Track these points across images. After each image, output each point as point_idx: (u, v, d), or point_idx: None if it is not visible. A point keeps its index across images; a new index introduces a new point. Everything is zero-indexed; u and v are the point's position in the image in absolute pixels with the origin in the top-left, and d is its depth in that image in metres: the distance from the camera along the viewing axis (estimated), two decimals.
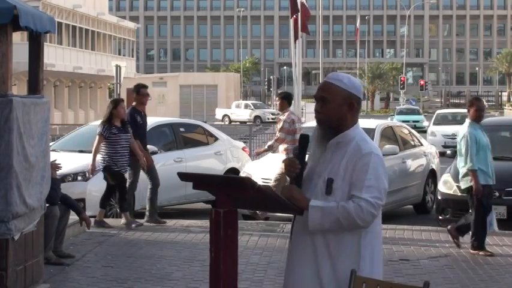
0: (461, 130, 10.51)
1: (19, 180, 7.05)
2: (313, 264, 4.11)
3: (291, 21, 24.85)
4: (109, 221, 12.57)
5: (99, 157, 12.16)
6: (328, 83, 4.15)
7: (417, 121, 48.51)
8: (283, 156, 12.45)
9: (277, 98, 13.27)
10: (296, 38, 24.37)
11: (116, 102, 12.15)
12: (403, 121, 42.42)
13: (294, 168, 4.13)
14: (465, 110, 35.36)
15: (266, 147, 13.79)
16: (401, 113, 50.65)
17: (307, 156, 4.26)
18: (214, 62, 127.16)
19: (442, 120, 33.81)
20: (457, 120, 33.03)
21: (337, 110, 4.10)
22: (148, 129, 14.38)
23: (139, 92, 12.65)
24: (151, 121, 15.12)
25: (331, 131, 4.13)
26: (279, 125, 12.84)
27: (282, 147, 12.77)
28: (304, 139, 4.19)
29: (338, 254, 4.07)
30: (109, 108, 12.13)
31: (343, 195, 4.05)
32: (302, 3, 24.40)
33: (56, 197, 9.18)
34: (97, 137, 12.10)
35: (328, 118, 4.11)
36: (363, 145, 4.09)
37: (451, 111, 39.94)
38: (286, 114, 12.78)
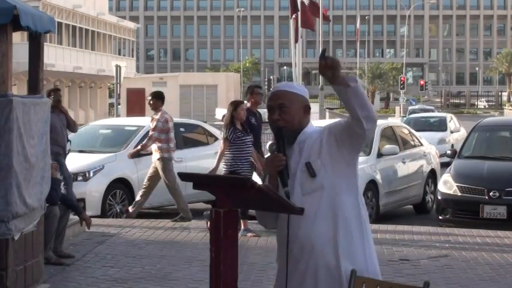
0: None
1: (19, 180, 7.05)
2: (316, 266, 4.13)
3: (291, 21, 24.90)
4: (109, 220, 12.58)
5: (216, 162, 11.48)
6: (282, 91, 4.26)
7: None
8: (157, 155, 12.58)
9: (149, 98, 12.98)
10: (296, 40, 24.42)
11: (236, 104, 11.44)
12: None
13: (280, 161, 4.16)
14: (443, 114, 32.38)
15: (139, 147, 13.17)
16: (414, 114, 41.93)
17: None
18: (214, 62, 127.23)
19: (413, 126, 25.66)
20: (432, 125, 28.30)
21: (297, 114, 4.22)
22: (148, 129, 14.40)
23: (254, 91, 12.14)
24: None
25: (292, 135, 4.22)
26: (153, 124, 12.76)
27: (154, 146, 12.71)
28: (280, 131, 4.23)
29: (346, 253, 4.12)
30: (229, 111, 11.42)
31: (327, 171, 4.12)
32: (312, 1, 24.36)
33: (56, 197, 9.17)
34: (222, 142, 11.37)
35: (290, 123, 4.20)
36: (319, 128, 4.23)
37: (425, 115, 33.56)
38: (160, 113, 12.72)
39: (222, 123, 11.69)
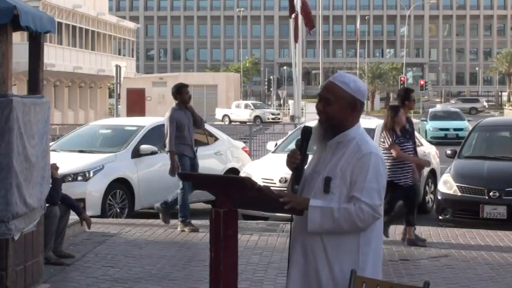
0: None
1: (19, 180, 7.05)
2: (312, 263, 4.12)
3: (291, 21, 24.87)
4: (108, 220, 12.57)
5: None
6: (333, 84, 4.15)
7: (460, 129, 35.45)
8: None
9: None
10: (296, 40, 24.38)
11: (396, 109, 10.78)
12: (441, 129, 34.16)
13: (295, 158, 4.15)
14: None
15: None
16: (436, 117, 36.67)
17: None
18: (214, 62, 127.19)
19: None
20: None
21: (340, 111, 4.12)
22: (148, 129, 14.41)
23: (410, 96, 11.17)
24: (151, 121, 15.13)
25: (332, 131, 4.15)
26: None
27: None
28: (307, 131, 4.21)
29: (337, 253, 4.08)
30: (389, 116, 10.76)
31: (341, 194, 4.06)
32: (304, 1, 24.36)
33: (57, 197, 9.18)
34: (393, 149, 10.55)
35: (330, 118, 4.13)
36: (363, 145, 4.10)
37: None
38: None
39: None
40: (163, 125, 12.16)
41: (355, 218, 3.98)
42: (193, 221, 12.56)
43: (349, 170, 4.06)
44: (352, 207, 3.99)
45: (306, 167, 4.24)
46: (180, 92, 11.96)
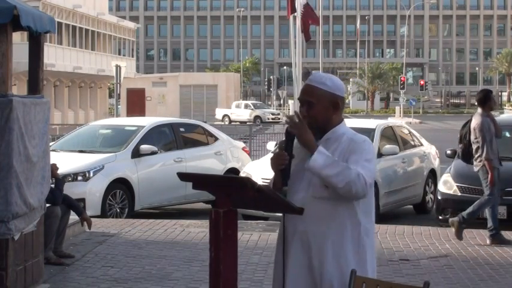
0: None
1: (19, 180, 7.05)
2: (316, 255, 4.16)
3: (292, 20, 24.87)
4: (108, 221, 12.57)
5: None
6: (311, 87, 4.24)
7: None
8: None
9: None
10: (307, 39, 24.42)
11: None
12: None
13: (283, 160, 4.18)
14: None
15: None
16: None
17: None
18: (214, 62, 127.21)
19: None
20: None
21: (324, 112, 4.22)
22: (148, 129, 14.42)
23: None
24: (151, 121, 15.15)
25: (318, 132, 4.22)
26: None
27: None
28: (291, 131, 4.24)
29: (341, 242, 4.14)
30: None
31: None
32: (308, 7, 24.37)
33: (60, 197, 9.19)
34: None
35: (315, 121, 4.21)
36: (355, 136, 4.22)
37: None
38: None
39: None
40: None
41: (353, 178, 4.03)
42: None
43: (347, 156, 4.15)
44: (353, 169, 4.06)
45: None
46: (489, 98, 11.23)
